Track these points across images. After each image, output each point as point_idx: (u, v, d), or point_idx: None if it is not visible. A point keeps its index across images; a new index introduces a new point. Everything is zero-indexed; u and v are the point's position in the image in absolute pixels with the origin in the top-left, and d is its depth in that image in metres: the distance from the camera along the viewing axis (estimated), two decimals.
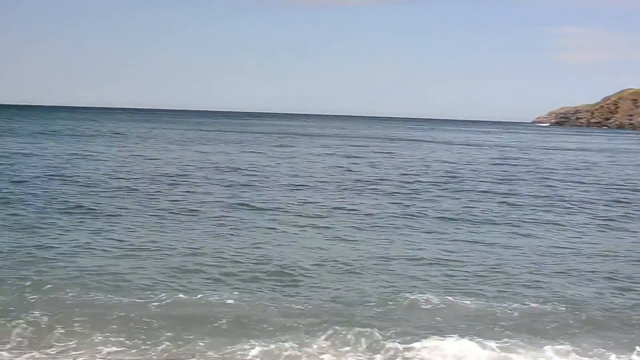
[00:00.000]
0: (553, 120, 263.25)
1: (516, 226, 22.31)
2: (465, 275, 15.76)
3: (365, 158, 51.25)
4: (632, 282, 15.72)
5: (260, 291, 14.02)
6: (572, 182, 37.62)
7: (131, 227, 19.92)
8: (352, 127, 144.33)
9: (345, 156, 52.61)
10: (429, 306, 13.26)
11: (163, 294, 13.29)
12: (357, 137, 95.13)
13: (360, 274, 15.68)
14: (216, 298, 13.29)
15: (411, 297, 13.70)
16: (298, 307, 13.00)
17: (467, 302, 13.59)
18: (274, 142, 70.99)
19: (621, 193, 32.95)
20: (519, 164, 50.44)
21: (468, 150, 69.20)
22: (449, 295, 13.92)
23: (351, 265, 16.34)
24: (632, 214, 26.13)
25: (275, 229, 20.54)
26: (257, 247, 17.86)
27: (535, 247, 19.15)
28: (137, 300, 12.96)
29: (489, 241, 19.70)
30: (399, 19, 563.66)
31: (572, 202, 28.64)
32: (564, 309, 13.39)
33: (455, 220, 23.02)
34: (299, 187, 30.65)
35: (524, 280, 15.56)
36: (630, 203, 29.23)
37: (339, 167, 42.65)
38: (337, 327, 11.79)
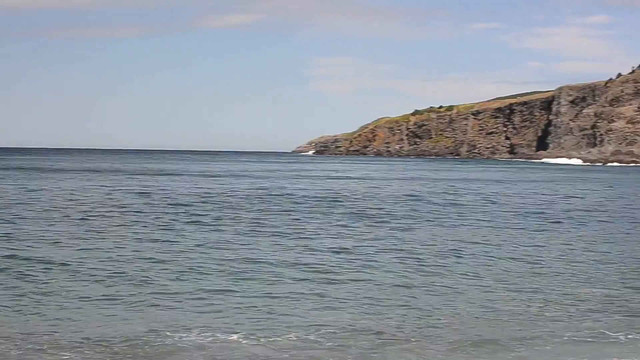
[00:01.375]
0: (313, 150, 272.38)
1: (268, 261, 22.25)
2: (234, 310, 15.30)
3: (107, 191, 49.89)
4: (428, 309, 15.71)
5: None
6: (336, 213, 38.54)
7: None
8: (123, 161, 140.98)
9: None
10: (192, 345, 12.68)
11: None
12: (109, 171, 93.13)
13: (126, 312, 14.82)
14: None
15: (176, 336, 13.06)
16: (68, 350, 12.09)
17: (235, 337, 13.17)
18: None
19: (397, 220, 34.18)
20: (275, 193, 51.16)
21: (229, 180, 69.48)
22: (217, 333, 13.41)
23: (114, 300, 15.52)
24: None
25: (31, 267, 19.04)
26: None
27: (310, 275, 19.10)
28: None
29: (256, 273, 19.38)
30: (159, 49, 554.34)
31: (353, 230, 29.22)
32: (331, 341, 13.26)
33: (215, 251, 22.64)
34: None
35: (297, 311, 15.36)
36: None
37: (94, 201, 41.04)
38: None
